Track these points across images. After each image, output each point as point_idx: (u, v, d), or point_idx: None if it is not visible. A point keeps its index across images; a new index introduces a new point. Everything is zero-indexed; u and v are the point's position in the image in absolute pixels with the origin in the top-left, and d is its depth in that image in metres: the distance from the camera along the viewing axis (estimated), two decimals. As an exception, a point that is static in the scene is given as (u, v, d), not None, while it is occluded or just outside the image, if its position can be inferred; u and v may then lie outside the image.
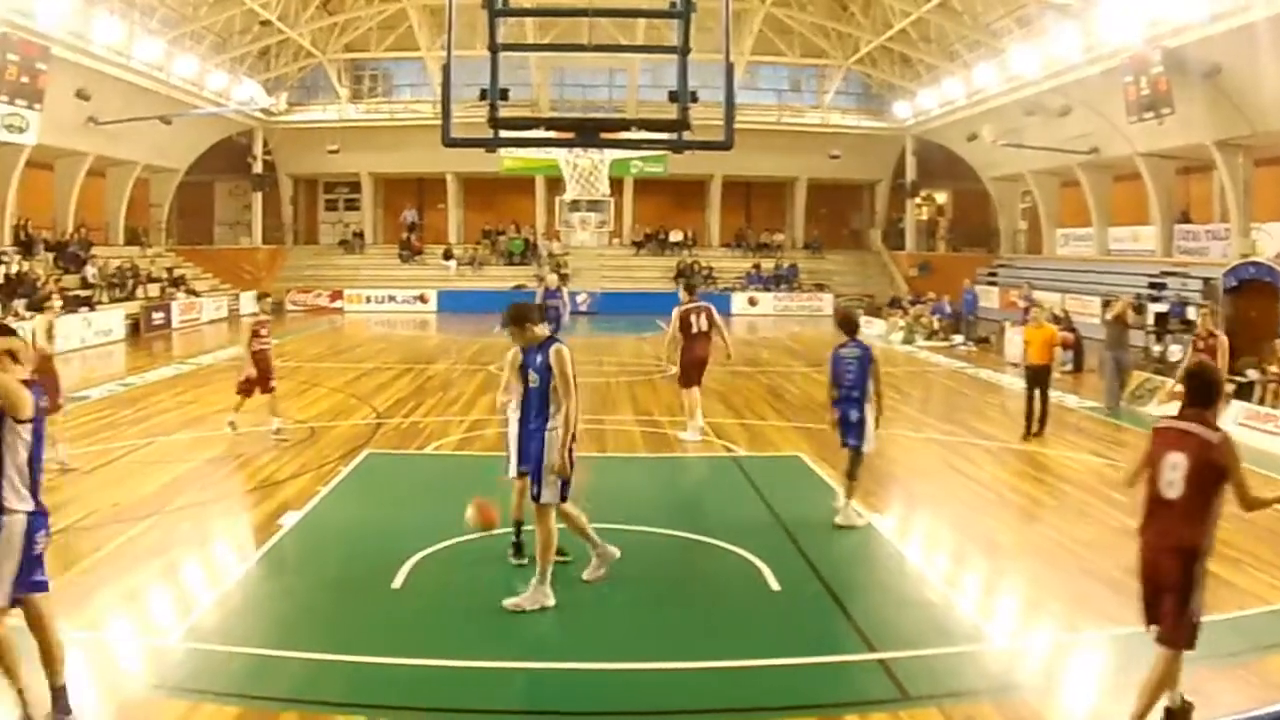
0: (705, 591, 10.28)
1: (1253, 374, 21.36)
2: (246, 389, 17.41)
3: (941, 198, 58.15)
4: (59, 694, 6.99)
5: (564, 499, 9.65)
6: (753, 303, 47.51)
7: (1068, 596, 9.95)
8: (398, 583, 10.14)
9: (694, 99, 8.71)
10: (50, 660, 6.97)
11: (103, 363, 29.15)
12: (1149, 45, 30.39)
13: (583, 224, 40.32)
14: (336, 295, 49.34)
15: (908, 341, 35.77)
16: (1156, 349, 28.59)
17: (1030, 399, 18.53)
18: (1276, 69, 26.63)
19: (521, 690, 8.11)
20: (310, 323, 42.76)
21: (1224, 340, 18.51)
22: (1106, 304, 26.13)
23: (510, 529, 10.62)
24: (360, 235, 54.90)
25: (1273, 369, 20.93)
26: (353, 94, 53.01)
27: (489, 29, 8.73)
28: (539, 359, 9.58)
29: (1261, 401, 20.03)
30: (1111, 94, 32.94)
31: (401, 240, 54.27)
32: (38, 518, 6.89)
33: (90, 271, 37.11)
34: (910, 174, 53.20)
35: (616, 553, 10.14)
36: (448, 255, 52.40)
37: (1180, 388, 7.57)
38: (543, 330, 9.87)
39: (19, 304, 29.44)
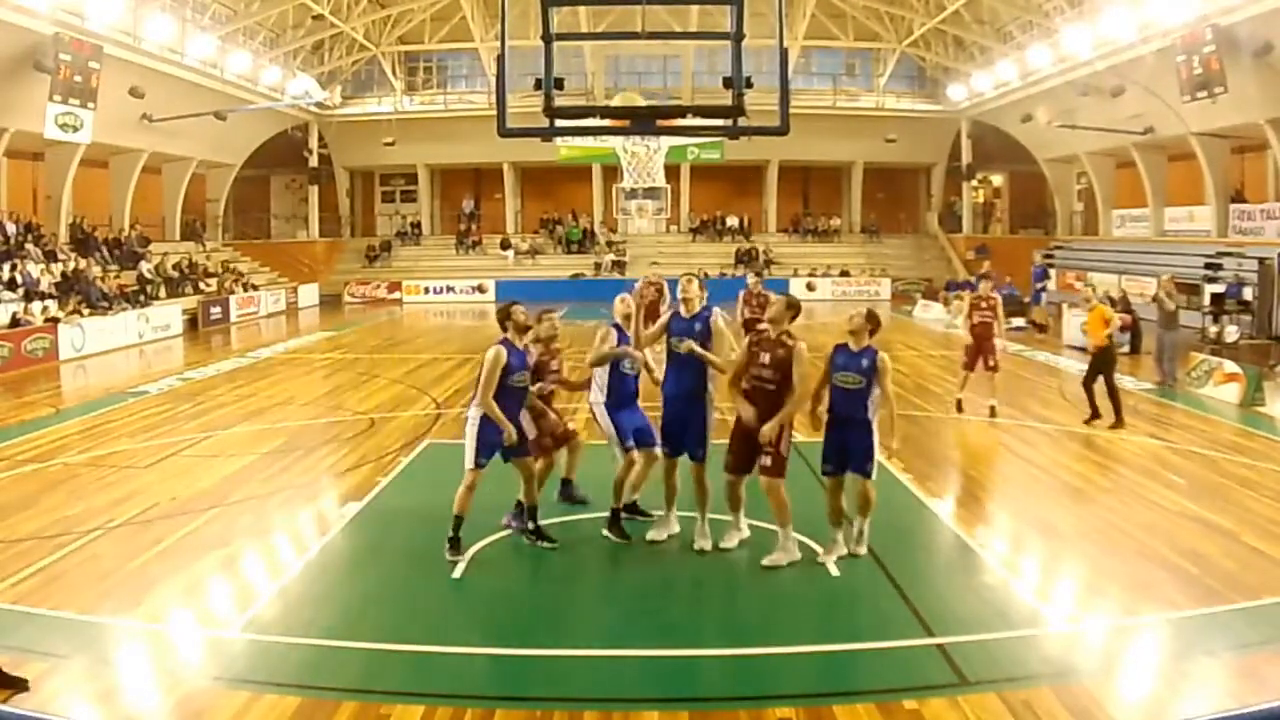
0: (765, 577, 10.33)
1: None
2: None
3: (998, 180, 57.66)
4: None
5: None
6: (811, 288, 47.37)
7: (1126, 580, 9.87)
8: (458, 573, 10.23)
9: (749, 84, 8.79)
10: None
11: (160, 358, 29.52)
12: (1199, 23, 30.14)
13: (640, 211, 40.55)
14: (395, 286, 49.73)
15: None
16: (1213, 329, 28.40)
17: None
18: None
19: (581, 679, 8.09)
20: (369, 314, 43.13)
21: None
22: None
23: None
24: (417, 226, 55.30)
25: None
26: (407, 86, 53.28)
27: (542, 19, 8.83)
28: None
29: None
30: (1165, 73, 32.65)
31: (459, 231, 54.63)
32: None
33: (146, 268, 37.45)
34: (966, 157, 52.81)
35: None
36: (505, 245, 52.66)
37: None
38: None
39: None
